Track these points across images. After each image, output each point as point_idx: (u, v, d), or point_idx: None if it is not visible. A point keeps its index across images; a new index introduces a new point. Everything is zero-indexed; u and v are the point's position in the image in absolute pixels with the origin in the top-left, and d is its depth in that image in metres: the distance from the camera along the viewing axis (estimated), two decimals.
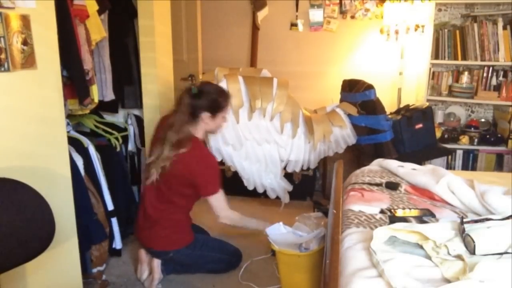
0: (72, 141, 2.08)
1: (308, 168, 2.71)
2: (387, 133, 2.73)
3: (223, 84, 2.38)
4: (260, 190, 2.61)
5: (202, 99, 2.09)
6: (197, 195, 2.19)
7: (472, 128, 3.34)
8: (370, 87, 2.68)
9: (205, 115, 2.11)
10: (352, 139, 2.67)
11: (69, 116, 2.20)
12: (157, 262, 2.21)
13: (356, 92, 2.72)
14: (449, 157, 3.35)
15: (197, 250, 2.23)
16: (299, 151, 2.54)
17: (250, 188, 2.60)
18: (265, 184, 2.60)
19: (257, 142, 2.46)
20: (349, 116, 2.67)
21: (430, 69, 3.33)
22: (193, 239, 2.23)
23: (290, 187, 2.66)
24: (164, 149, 2.04)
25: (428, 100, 3.28)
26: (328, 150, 2.64)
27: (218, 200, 2.16)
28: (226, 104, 2.18)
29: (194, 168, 2.07)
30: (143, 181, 2.25)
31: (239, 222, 2.28)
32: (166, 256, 2.20)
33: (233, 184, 3.23)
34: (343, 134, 2.64)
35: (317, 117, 2.61)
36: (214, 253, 2.28)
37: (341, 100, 2.85)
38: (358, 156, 2.86)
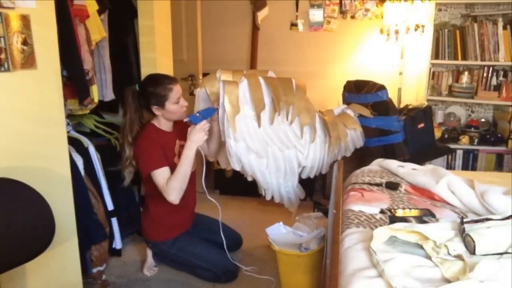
0: (72, 141, 2.08)
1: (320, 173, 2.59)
2: (399, 134, 2.69)
3: (244, 85, 2.09)
4: (277, 199, 2.43)
5: (144, 96, 2.11)
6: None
7: (472, 128, 3.34)
8: (382, 87, 2.64)
9: (155, 109, 2.12)
10: (360, 142, 2.62)
11: (69, 116, 2.20)
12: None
13: (366, 93, 2.68)
14: (449, 157, 3.35)
15: (173, 250, 2.23)
16: (315, 156, 2.42)
17: (268, 197, 2.41)
18: (283, 193, 2.44)
19: (279, 148, 2.27)
20: (359, 117, 2.63)
21: (430, 69, 3.32)
22: (171, 237, 2.23)
23: (303, 195, 2.51)
24: (126, 150, 2.16)
25: (428, 100, 3.28)
26: (338, 154, 2.55)
27: (159, 179, 2.04)
28: (168, 90, 2.08)
29: (136, 151, 2.12)
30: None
31: (182, 183, 2.05)
32: (148, 244, 2.34)
33: (233, 184, 3.25)
34: (353, 137, 2.58)
35: (330, 120, 2.49)
36: (197, 261, 2.21)
37: (346, 102, 2.82)
38: (362, 157, 2.81)
